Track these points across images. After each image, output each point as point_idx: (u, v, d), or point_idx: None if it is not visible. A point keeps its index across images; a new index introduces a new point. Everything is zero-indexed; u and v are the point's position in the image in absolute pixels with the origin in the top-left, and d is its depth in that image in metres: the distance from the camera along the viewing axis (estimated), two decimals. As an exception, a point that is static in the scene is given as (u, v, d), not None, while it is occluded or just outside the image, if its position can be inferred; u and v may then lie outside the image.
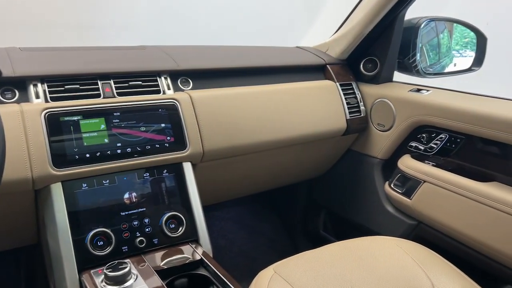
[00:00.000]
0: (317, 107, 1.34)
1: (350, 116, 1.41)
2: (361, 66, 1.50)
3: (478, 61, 1.42)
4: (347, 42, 1.45)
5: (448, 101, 1.24)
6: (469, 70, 1.45)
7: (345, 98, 1.41)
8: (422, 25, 1.40)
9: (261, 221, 1.97)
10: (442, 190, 1.21)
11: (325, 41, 1.54)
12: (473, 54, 1.44)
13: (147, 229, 0.99)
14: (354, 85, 1.46)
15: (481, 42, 1.41)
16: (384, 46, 1.43)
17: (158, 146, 1.03)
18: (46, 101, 0.96)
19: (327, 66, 1.45)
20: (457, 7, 2.24)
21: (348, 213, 1.59)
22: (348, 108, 1.41)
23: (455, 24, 1.52)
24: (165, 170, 1.05)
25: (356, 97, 1.45)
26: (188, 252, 0.98)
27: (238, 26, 2.70)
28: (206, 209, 1.11)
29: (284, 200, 1.93)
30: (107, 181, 0.97)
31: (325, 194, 1.71)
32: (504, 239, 1.07)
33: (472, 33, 1.43)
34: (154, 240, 0.98)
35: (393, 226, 1.40)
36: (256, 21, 2.78)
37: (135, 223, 0.98)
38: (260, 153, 1.26)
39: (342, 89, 1.42)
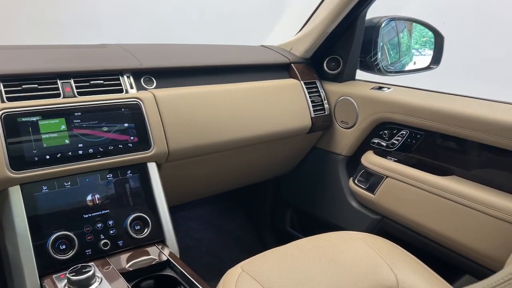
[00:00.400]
0: (282, 106, 1.35)
1: (315, 114, 1.43)
2: (325, 64, 1.52)
3: (436, 59, 1.47)
4: (311, 41, 1.46)
5: (408, 98, 1.28)
6: (427, 68, 1.50)
7: (310, 97, 1.43)
8: (383, 25, 1.44)
9: (228, 220, 1.97)
10: (403, 185, 1.25)
11: (289, 40, 1.56)
12: (431, 52, 1.49)
13: (111, 231, 0.97)
14: (318, 84, 1.48)
15: (438, 41, 1.46)
16: (346, 45, 1.46)
17: (121, 146, 1.01)
18: (3, 101, 0.92)
19: (292, 64, 1.47)
20: (415, 8, 2.32)
21: (314, 209, 1.61)
22: (313, 106, 1.43)
23: (414, 24, 1.56)
24: (129, 171, 1.03)
25: (320, 95, 1.47)
26: (154, 253, 0.97)
27: (203, 25, 2.69)
28: (172, 209, 1.10)
29: (251, 198, 1.93)
30: (69, 183, 0.94)
31: (291, 191, 1.72)
32: (462, 230, 1.12)
33: (430, 33, 1.48)
34: (119, 242, 0.97)
35: (357, 221, 1.43)
36: (220, 20, 2.78)
37: (99, 225, 0.96)
38: (226, 152, 1.26)
39: (306, 88, 1.43)
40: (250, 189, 1.80)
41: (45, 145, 0.92)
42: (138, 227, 1.00)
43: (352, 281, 0.90)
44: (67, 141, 0.94)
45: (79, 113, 0.97)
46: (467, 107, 1.14)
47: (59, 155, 0.93)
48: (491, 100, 1.17)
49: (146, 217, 1.01)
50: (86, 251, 0.92)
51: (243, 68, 1.37)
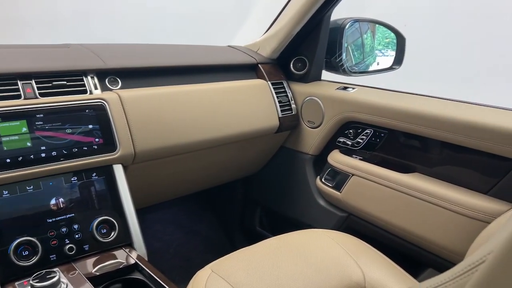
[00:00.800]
0: (250, 106, 1.35)
1: (282, 114, 1.44)
2: (291, 65, 1.54)
3: (398, 60, 1.51)
4: (277, 42, 1.48)
5: (372, 98, 1.31)
6: (390, 68, 1.54)
7: (277, 97, 1.44)
8: (347, 26, 1.47)
9: (197, 221, 1.96)
10: (368, 183, 1.28)
11: (255, 41, 1.57)
12: (394, 53, 1.53)
13: (76, 236, 0.94)
14: (285, 84, 1.50)
15: (400, 42, 1.51)
16: (312, 46, 1.48)
17: (86, 148, 0.99)
18: (-41, 103, 0.89)
19: (259, 65, 1.47)
20: (378, 10, 2.38)
21: (282, 208, 1.62)
22: (280, 106, 1.44)
23: (377, 25, 1.60)
24: (94, 173, 1.01)
25: (287, 96, 1.48)
26: (121, 257, 0.96)
27: (167, 25, 2.66)
28: (140, 212, 1.08)
29: (220, 199, 1.93)
30: (31, 187, 0.92)
31: (260, 191, 1.73)
32: (425, 225, 1.16)
33: (392, 34, 1.52)
34: (84, 246, 0.94)
35: (325, 218, 1.45)
36: (186, 20, 2.76)
37: (64, 229, 0.93)
38: (195, 153, 1.26)
39: (273, 88, 1.45)
40: (219, 190, 1.80)
41: (5, 148, 0.89)
42: (105, 230, 0.98)
43: (321, 278, 0.91)
44: (28, 144, 0.92)
45: (41, 115, 0.95)
46: (428, 106, 1.18)
47: (20, 158, 0.90)
48: (451, 100, 1.22)
49: (113, 220, 0.99)
50: (51, 256, 0.90)
51: (210, 68, 1.37)
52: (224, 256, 0.99)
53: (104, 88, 1.10)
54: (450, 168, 1.18)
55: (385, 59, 1.58)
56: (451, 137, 1.11)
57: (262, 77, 1.46)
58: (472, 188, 1.12)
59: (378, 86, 1.42)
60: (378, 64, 1.62)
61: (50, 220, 0.92)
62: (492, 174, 1.08)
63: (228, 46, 1.59)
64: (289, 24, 1.42)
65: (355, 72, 1.53)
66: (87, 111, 1.01)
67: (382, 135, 1.32)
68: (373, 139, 1.35)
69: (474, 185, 1.12)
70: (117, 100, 1.06)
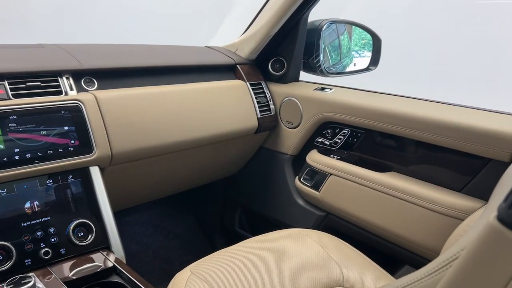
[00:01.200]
0: (229, 106, 1.35)
1: (261, 115, 1.45)
2: (269, 66, 1.54)
3: (374, 61, 1.54)
4: (255, 43, 1.48)
5: (348, 98, 1.33)
6: (367, 69, 1.56)
7: (256, 97, 1.45)
8: (324, 27, 1.48)
9: (176, 222, 1.94)
10: (346, 182, 1.30)
11: (233, 41, 1.57)
12: (370, 54, 1.56)
13: (52, 239, 0.93)
14: (263, 85, 1.50)
15: (376, 44, 1.53)
16: (290, 47, 1.49)
17: (61, 150, 0.97)
18: None
19: (237, 66, 1.48)
20: (354, 12, 2.41)
21: (262, 208, 1.63)
22: (259, 107, 1.44)
23: (353, 27, 1.63)
24: (71, 176, 0.99)
25: (266, 96, 1.49)
26: (99, 260, 0.94)
27: (144, 25, 2.63)
28: (118, 214, 1.07)
29: (200, 200, 1.92)
30: (4, 191, 0.89)
31: (240, 192, 1.73)
32: (401, 223, 1.18)
33: (369, 35, 1.55)
34: (61, 250, 0.93)
35: (304, 218, 1.46)
36: (163, 21, 2.74)
37: (39, 233, 0.91)
38: (173, 154, 1.25)
39: (252, 89, 1.45)
40: (198, 191, 1.80)
41: (-24, 151, 0.86)
42: (82, 233, 0.96)
43: (300, 277, 0.92)
44: (1, 146, 0.89)
45: (15, 117, 0.93)
46: (404, 106, 1.20)
47: (-8, 161, 0.88)
48: (426, 100, 1.25)
49: (90, 223, 0.98)
50: (25, 261, 0.88)
51: (188, 69, 1.36)
52: (204, 258, 0.99)
53: (80, 89, 1.08)
54: (425, 167, 1.20)
55: (362, 60, 1.60)
56: (426, 136, 1.14)
57: (241, 78, 1.46)
58: (446, 186, 1.15)
59: (355, 87, 1.44)
60: (355, 65, 1.65)
61: (25, 224, 0.90)
62: (466, 172, 1.11)
63: (206, 46, 1.59)
64: (267, 25, 1.42)
65: (332, 73, 1.55)
66: (62, 112, 0.99)
67: (359, 135, 1.34)
68: (351, 139, 1.37)
69: (448, 183, 1.15)
70: (93, 101, 1.05)
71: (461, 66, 2.42)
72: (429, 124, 1.12)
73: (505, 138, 0.99)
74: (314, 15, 1.49)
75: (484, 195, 1.07)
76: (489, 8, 2.38)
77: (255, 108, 1.43)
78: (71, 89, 1.06)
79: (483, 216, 0.56)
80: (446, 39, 2.49)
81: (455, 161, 1.13)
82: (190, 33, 2.69)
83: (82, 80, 1.10)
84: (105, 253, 0.97)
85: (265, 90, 1.50)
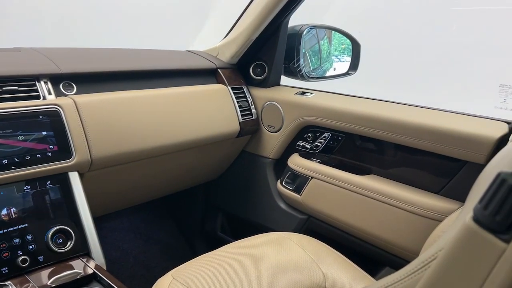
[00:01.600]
0: (210, 111, 1.35)
1: (243, 119, 1.45)
2: (251, 70, 1.55)
3: (354, 65, 1.56)
4: (236, 47, 1.49)
5: (329, 102, 1.35)
6: (346, 74, 1.58)
7: (237, 102, 1.45)
8: (304, 32, 1.50)
9: (157, 228, 1.93)
10: (327, 185, 1.31)
11: (214, 45, 1.57)
12: (349, 59, 1.58)
13: (30, 247, 0.91)
14: (245, 89, 1.51)
15: (355, 49, 1.55)
16: (271, 52, 1.50)
17: (39, 156, 0.95)
18: None
19: (219, 70, 1.48)
20: (334, 17, 2.45)
21: (244, 212, 1.63)
22: (241, 111, 1.45)
23: (333, 32, 1.65)
24: (49, 182, 0.97)
25: (247, 100, 1.49)
26: (79, 267, 0.93)
27: (124, 29, 2.61)
28: (98, 220, 1.06)
29: (181, 205, 1.91)
30: (-20, 197, 0.87)
31: (221, 196, 1.73)
32: (381, 225, 1.20)
33: (348, 40, 1.57)
34: (39, 257, 0.91)
35: (286, 221, 1.47)
36: (143, 25, 2.71)
37: (16, 241, 0.89)
38: (154, 159, 1.24)
39: (234, 93, 1.45)
40: (179, 195, 1.78)
41: (-50, 157, 0.84)
42: (60, 240, 0.95)
43: (282, 280, 0.93)
44: (-23, 152, 0.87)
45: (-9, 122, 0.91)
46: (382, 110, 1.22)
47: (-33, 167, 0.86)
48: (404, 104, 1.27)
49: (69, 229, 0.96)
50: (2, 269, 0.86)
51: (169, 73, 1.36)
52: (185, 263, 0.98)
53: (59, 94, 1.07)
54: (404, 170, 1.22)
55: (342, 64, 1.62)
56: (404, 139, 1.16)
57: (222, 82, 1.46)
58: (424, 188, 1.17)
59: (335, 91, 1.46)
60: (335, 69, 1.67)
61: (1, 231, 0.88)
62: (443, 174, 1.14)
63: (187, 51, 1.58)
64: (248, 29, 1.43)
65: (312, 77, 1.56)
66: (40, 117, 0.97)
67: (340, 138, 1.36)
68: (331, 142, 1.38)
69: (426, 185, 1.17)
70: (72, 105, 1.03)
71: (437, 71, 2.48)
72: (407, 127, 1.14)
73: (481, 141, 1.02)
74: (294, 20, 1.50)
75: (461, 196, 1.09)
76: (464, 14, 2.44)
77: (237, 112, 1.43)
78: (50, 93, 1.04)
79: (460, 217, 0.57)
80: (422, 44, 2.54)
81: (433, 163, 1.15)
82: (170, 37, 2.68)
83: (61, 85, 1.09)
84: (85, 259, 0.95)
85: (246, 94, 1.50)
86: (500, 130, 1.02)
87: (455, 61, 2.43)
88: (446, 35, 2.48)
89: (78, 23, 2.45)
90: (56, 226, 0.95)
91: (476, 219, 0.41)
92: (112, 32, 2.55)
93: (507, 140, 1.00)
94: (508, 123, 1.06)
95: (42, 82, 1.05)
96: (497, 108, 2.09)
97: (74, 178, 1.02)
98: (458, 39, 2.44)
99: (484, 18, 2.35)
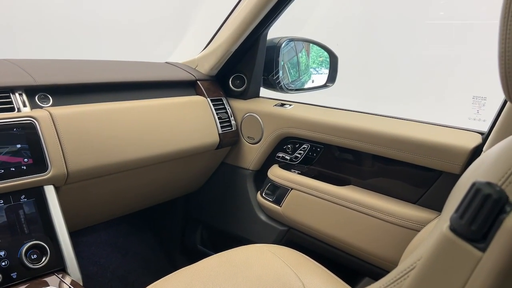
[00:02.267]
0: (189, 122, 1.34)
1: (222, 130, 1.45)
2: (230, 82, 1.55)
3: (332, 78, 1.58)
4: (216, 59, 1.49)
5: (307, 114, 1.36)
6: (324, 86, 1.60)
7: (217, 113, 1.45)
8: (283, 45, 1.51)
9: (135, 241, 1.89)
10: (307, 196, 1.32)
11: (194, 58, 1.57)
12: (327, 71, 1.60)
13: (3, 263, 0.88)
14: (224, 101, 1.51)
15: (333, 61, 1.58)
16: (250, 64, 1.51)
17: (13, 169, 0.93)
18: None
19: (198, 82, 1.47)
20: (312, 31, 2.48)
21: (224, 225, 1.62)
22: (220, 122, 1.45)
23: (311, 44, 1.67)
24: (23, 196, 0.95)
25: (227, 112, 1.49)
26: (54, 283, 0.90)
27: (102, 41, 2.59)
28: (74, 234, 1.03)
29: (159, 218, 1.88)
30: (-50, 213, 0.84)
31: (201, 208, 1.72)
32: (360, 236, 1.20)
33: (326, 53, 1.59)
34: (12, 274, 0.88)
35: (266, 233, 1.47)
36: (121, 37, 2.70)
37: (-12, 257, 0.86)
38: (132, 171, 1.22)
39: (213, 105, 1.45)
40: (158, 208, 1.76)
41: None
42: (35, 256, 0.92)
43: None
44: None
45: (-38, 134, 0.88)
46: (360, 121, 1.24)
47: None
48: (381, 115, 1.30)
49: (44, 244, 0.93)
50: None
51: (147, 84, 1.35)
52: (164, 277, 0.97)
53: (34, 106, 1.05)
54: (382, 180, 1.24)
55: (320, 76, 1.64)
56: (382, 150, 1.18)
57: (201, 94, 1.46)
58: (402, 198, 1.19)
59: (314, 103, 1.48)
60: (313, 81, 1.68)
61: None
62: (420, 184, 1.16)
63: (166, 62, 1.58)
64: (227, 42, 1.43)
65: (291, 89, 1.58)
66: (15, 129, 0.95)
67: (319, 149, 1.37)
68: (310, 153, 1.39)
69: (404, 195, 1.19)
70: (48, 117, 1.01)
71: (411, 83, 2.54)
72: (384, 138, 1.16)
73: (455, 151, 1.04)
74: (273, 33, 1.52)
75: (438, 206, 1.11)
76: (437, 27, 2.52)
77: (216, 124, 1.43)
78: (24, 105, 1.02)
79: (437, 227, 0.58)
80: (397, 57, 2.61)
81: (410, 174, 1.17)
82: (149, 50, 2.67)
83: (36, 97, 1.06)
84: (60, 275, 0.93)
85: (226, 106, 1.50)
86: (474, 140, 1.05)
87: (429, 74, 2.50)
88: (420, 48, 2.55)
89: (56, 35, 2.42)
90: (31, 241, 0.92)
91: (453, 228, 0.42)
92: (91, 45, 2.52)
93: (481, 151, 1.02)
94: (481, 134, 1.09)
95: (16, 94, 1.02)
96: (471, 119, 2.15)
97: (50, 192, 0.99)
98: (431, 52, 2.51)
99: (456, 32, 2.42)
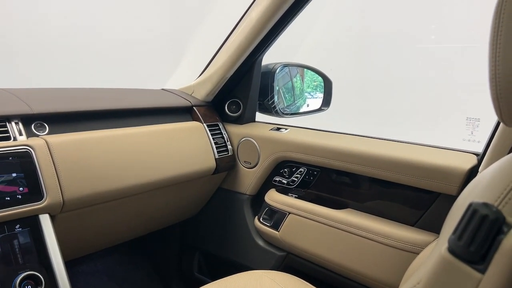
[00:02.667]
0: (186, 148, 1.35)
1: (219, 156, 1.45)
2: (226, 107, 1.57)
3: (326, 102, 1.60)
4: (212, 85, 1.50)
5: (303, 137, 1.37)
6: (319, 110, 1.62)
7: (213, 138, 1.45)
8: (277, 70, 1.54)
9: (132, 269, 1.86)
10: (304, 220, 1.31)
11: (189, 84, 1.58)
12: (322, 95, 1.62)
13: (-4, 295, 0.86)
14: (220, 126, 1.52)
15: (327, 85, 1.60)
16: (245, 89, 1.52)
17: (8, 198, 0.92)
18: None
19: (194, 108, 1.48)
20: (305, 57, 2.52)
21: (221, 251, 1.60)
22: (217, 147, 1.45)
23: (305, 69, 1.69)
24: (18, 225, 0.94)
25: (223, 137, 1.50)
26: None
27: (99, 69, 2.61)
28: (70, 263, 1.02)
29: (156, 245, 1.86)
30: None
31: (198, 235, 1.70)
32: (359, 259, 1.19)
33: (320, 78, 1.61)
34: (5, 306, 0.86)
35: (264, 259, 1.45)
36: (118, 64, 2.72)
37: (-19, 289, 0.85)
38: (129, 198, 1.21)
39: (209, 130, 1.46)
40: (154, 235, 1.74)
41: None
42: (29, 287, 0.90)
43: None
44: None
45: (-43, 164, 0.88)
46: (356, 144, 1.25)
47: None
48: (377, 138, 1.30)
49: (39, 275, 0.92)
50: None
51: (144, 111, 1.35)
52: None
53: (30, 134, 1.05)
54: (379, 203, 1.24)
55: (315, 101, 1.65)
56: (379, 173, 1.18)
57: (198, 119, 1.47)
58: (400, 220, 1.18)
59: (309, 127, 1.49)
60: (308, 106, 1.70)
61: None
62: (418, 206, 1.15)
63: (162, 89, 1.59)
64: (222, 68, 1.45)
65: (287, 114, 1.59)
66: (10, 158, 0.95)
67: (315, 173, 1.37)
68: (307, 177, 1.39)
69: (402, 217, 1.18)
70: (44, 146, 1.01)
71: (406, 105, 2.57)
72: (380, 161, 1.17)
73: (452, 172, 1.04)
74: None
75: (436, 228, 1.11)
76: (428, 51, 2.56)
77: (213, 149, 1.44)
78: (21, 134, 1.02)
79: (435, 249, 0.58)
80: (391, 79, 2.64)
81: (407, 196, 1.17)
82: (146, 76, 2.70)
83: (33, 125, 1.07)
84: None
85: (222, 131, 1.51)
86: (470, 162, 1.05)
87: (422, 97, 2.53)
88: (413, 71, 2.59)
89: (54, 64, 2.44)
90: (25, 272, 0.91)
91: (451, 250, 0.42)
92: (88, 72, 2.55)
93: (477, 171, 1.03)
94: (476, 155, 1.10)
95: (13, 123, 1.03)
96: (465, 140, 2.17)
97: (45, 221, 0.98)
98: (424, 75, 2.55)
99: (447, 55, 2.47)
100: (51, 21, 2.42)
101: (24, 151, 0.98)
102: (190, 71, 1.70)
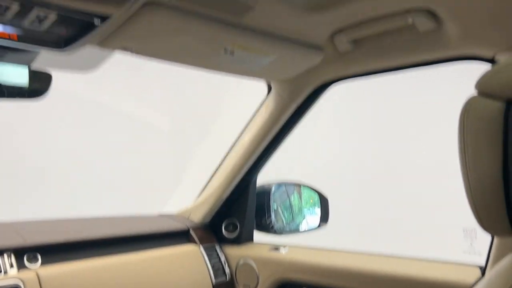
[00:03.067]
0: (181, 275, 1.31)
1: (216, 281, 1.39)
2: (223, 228, 1.55)
3: (324, 218, 1.59)
4: (208, 207, 1.52)
5: (304, 257, 1.34)
6: (318, 226, 1.60)
7: (210, 262, 1.42)
8: (273, 189, 1.56)
9: None
10: None
11: (186, 207, 1.60)
12: (319, 212, 1.61)
13: None
14: (217, 248, 1.49)
15: (323, 202, 1.60)
16: (242, 209, 1.53)
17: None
18: None
19: (190, 231, 1.48)
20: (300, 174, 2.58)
21: None
22: (213, 271, 1.40)
23: (302, 186, 1.72)
24: None
25: (220, 260, 1.46)
26: None
27: (97, 197, 2.65)
28: None
29: None
30: None
31: None
32: None
33: (317, 195, 1.62)
34: None
35: None
36: (116, 192, 2.77)
37: None
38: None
39: (206, 253, 1.43)
40: None
41: None
42: None
43: None
44: None
45: None
46: (358, 262, 1.21)
47: None
48: (376, 254, 1.27)
49: None
50: None
51: (139, 238, 1.34)
52: None
53: (21, 266, 1.03)
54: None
55: (313, 217, 1.64)
56: None
57: (194, 242, 1.45)
58: None
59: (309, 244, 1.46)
60: (307, 222, 1.69)
61: None
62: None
63: (159, 214, 1.60)
64: (218, 190, 1.48)
65: (286, 232, 1.57)
66: (-1, 293, 0.92)
67: (318, 294, 1.31)
68: (311, 299, 1.32)
69: None
70: (35, 280, 0.99)
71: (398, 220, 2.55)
72: (383, 280, 1.12)
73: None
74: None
75: None
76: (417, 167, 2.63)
77: (210, 274, 1.39)
78: (12, 266, 1.01)
79: None
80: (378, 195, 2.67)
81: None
82: (143, 202, 2.73)
83: (25, 256, 1.05)
84: None
85: (219, 253, 1.48)
86: (473, 275, 1.02)
87: (418, 210, 2.52)
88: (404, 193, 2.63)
89: (45, 191, 2.49)
90: None
91: None
92: (84, 200, 2.58)
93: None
94: (480, 267, 1.07)
95: (5, 255, 1.02)
96: (466, 252, 2.10)
97: None
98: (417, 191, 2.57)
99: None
100: (56, 155, 2.53)
101: (14, 286, 0.95)
102: (188, 193, 1.72)
